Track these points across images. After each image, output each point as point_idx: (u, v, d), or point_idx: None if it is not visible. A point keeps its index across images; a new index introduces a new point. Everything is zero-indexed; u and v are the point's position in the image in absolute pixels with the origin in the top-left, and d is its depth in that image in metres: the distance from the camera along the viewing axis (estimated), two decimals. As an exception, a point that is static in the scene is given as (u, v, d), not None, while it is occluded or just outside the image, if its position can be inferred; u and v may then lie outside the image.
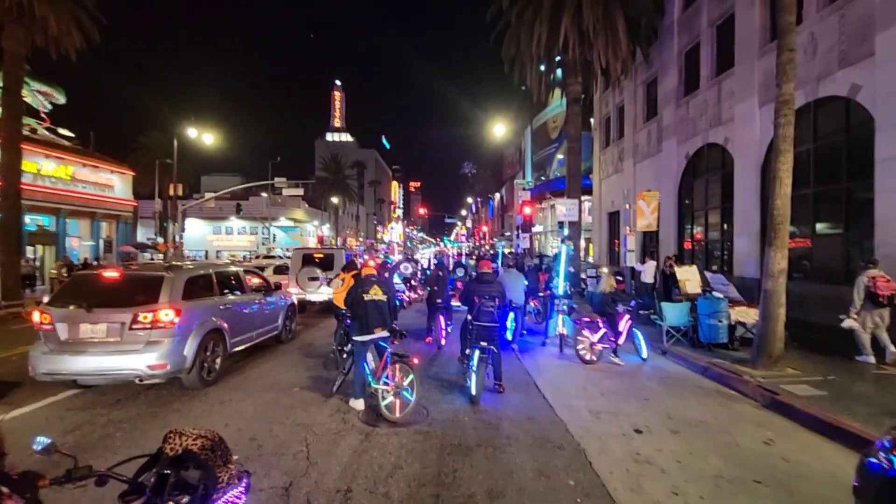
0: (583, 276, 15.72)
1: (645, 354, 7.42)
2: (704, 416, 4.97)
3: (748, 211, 11.59)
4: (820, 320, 9.23)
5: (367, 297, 5.19)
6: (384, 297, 5.26)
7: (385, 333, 5.18)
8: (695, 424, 4.74)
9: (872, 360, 6.55)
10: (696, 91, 14.21)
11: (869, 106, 8.34)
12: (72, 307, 5.44)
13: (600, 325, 7.30)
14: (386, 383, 4.90)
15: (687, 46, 14.86)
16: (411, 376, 4.92)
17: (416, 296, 15.25)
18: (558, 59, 17.83)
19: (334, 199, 52.94)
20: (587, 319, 7.57)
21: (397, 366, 4.99)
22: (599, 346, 7.24)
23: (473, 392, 5.34)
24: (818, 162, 9.72)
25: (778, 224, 6.32)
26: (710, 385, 6.24)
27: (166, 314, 5.45)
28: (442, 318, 8.72)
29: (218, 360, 6.20)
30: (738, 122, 12.00)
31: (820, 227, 9.97)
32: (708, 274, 9.54)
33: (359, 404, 5.11)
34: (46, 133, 23.24)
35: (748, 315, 7.67)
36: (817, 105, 9.61)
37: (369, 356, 5.33)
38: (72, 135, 24.85)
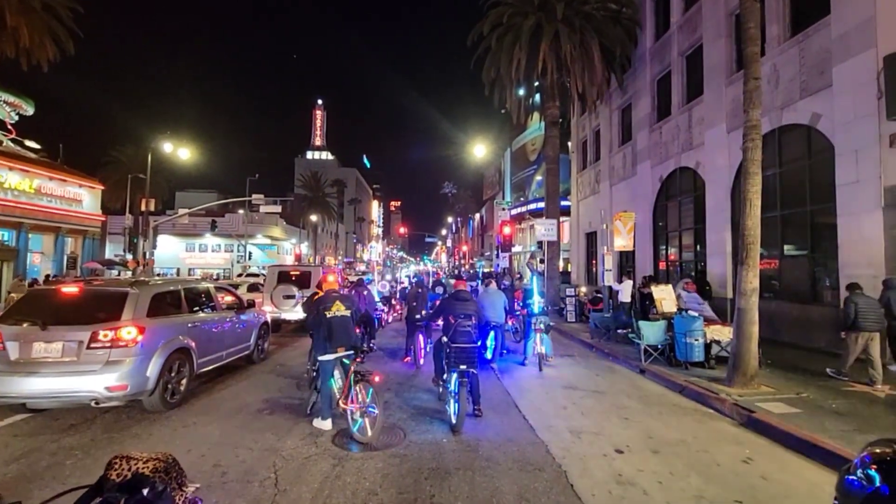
0: (562, 294, 15.78)
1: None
2: (684, 436, 4.94)
3: (720, 232, 11.95)
4: (789, 339, 9.48)
5: (329, 315, 5.03)
6: (347, 313, 5.12)
7: (350, 351, 5.02)
8: (675, 444, 4.70)
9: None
10: (668, 117, 14.77)
11: (828, 134, 8.79)
12: (25, 325, 5.11)
13: None
14: (353, 403, 4.74)
15: (659, 75, 15.52)
16: (371, 390, 4.71)
17: (396, 314, 15.01)
18: (537, 83, 18.37)
19: (313, 217, 52.31)
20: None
21: (360, 385, 4.81)
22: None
23: (454, 420, 4.97)
24: (784, 186, 10.15)
25: (749, 244, 6.49)
26: (688, 403, 6.25)
27: (129, 332, 5.16)
28: (421, 337, 8.54)
29: (183, 382, 5.88)
30: (709, 146, 12.48)
31: (787, 248, 10.33)
32: (683, 293, 9.70)
33: (325, 425, 4.91)
34: (11, 145, 22.39)
35: (723, 334, 7.78)
36: (782, 132, 10.09)
37: (336, 375, 5.14)
38: (38, 147, 24.01)
